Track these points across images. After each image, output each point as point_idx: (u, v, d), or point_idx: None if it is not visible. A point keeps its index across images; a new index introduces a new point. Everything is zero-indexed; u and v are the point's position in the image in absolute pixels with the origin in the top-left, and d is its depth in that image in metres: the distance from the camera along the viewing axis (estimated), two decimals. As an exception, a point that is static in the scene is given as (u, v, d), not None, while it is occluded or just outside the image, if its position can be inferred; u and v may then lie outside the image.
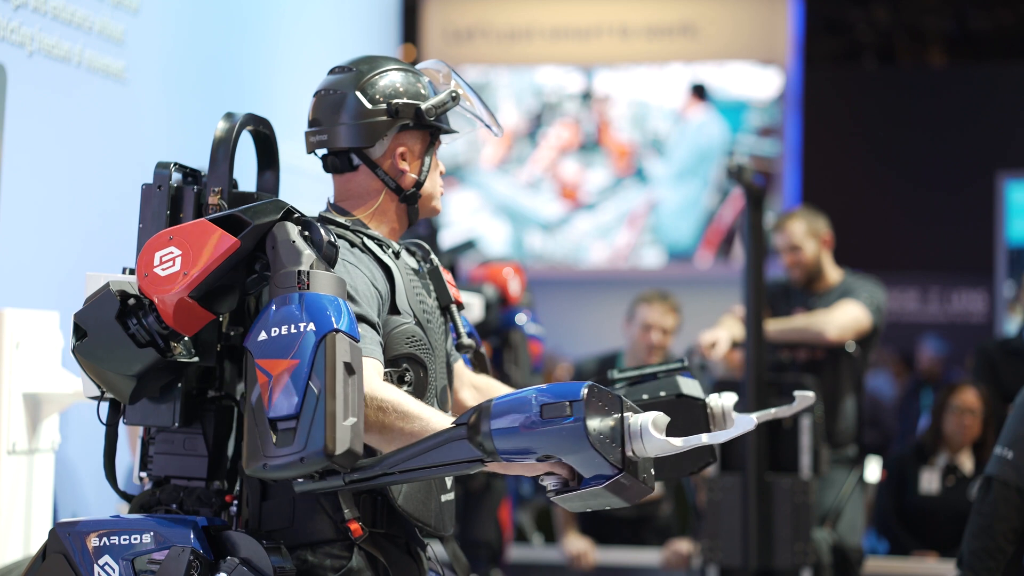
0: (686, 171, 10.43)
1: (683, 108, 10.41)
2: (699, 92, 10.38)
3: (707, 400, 2.69)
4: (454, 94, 2.60)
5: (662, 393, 2.71)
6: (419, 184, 2.61)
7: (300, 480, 2.17)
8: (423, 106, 2.57)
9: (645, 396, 2.70)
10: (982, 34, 13.03)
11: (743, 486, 4.91)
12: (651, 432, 2.06)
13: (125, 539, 2.29)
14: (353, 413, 2.13)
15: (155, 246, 2.27)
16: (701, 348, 5.07)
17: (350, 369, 2.14)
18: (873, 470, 6.82)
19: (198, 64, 4.66)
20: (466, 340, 2.71)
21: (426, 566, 2.55)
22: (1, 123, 3.42)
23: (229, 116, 2.52)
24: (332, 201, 2.63)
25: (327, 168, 2.62)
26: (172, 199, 2.47)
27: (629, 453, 2.07)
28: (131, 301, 2.28)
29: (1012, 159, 11.71)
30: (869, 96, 12.55)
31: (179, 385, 2.39)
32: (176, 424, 2.40)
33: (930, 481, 5.98)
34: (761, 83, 10.28)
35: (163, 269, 2.25)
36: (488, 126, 2.67)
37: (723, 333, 5.09)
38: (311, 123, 2.60)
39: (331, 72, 2.61)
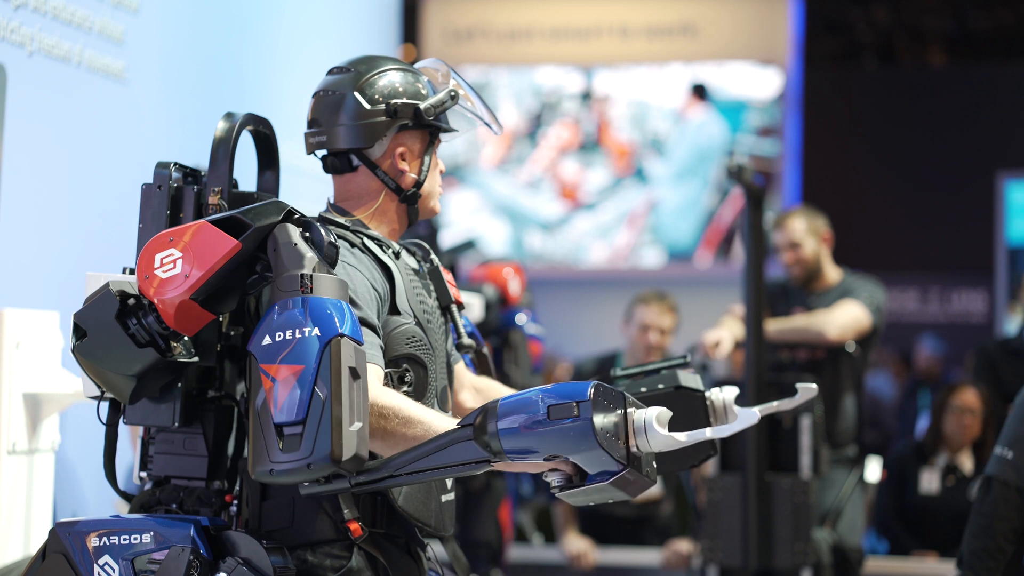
0: (686, 171, 10.43)
1: (683, 108, 10.41)
2: (699, 92, 10.38)
3: (708, 393, 2.69)
4: (453, 93, 2.60)
5: (660, 386, 2.72)
6: (419, 184, 2.61)
7: (306, 484, 2.17)
8: (422, 106, 2.56)
9: (643, 389, 2.70)
10: (982, 34, 13.03)
11: (743, 486, 4.91)
12: (655, 428, 2.07)
13: (125, 539, 2.29)
14: (359, 418, 2.14)
15: (155, 248, 2.27)
16: (705, 347, 5.07)
17: (355, 374, 2.15)
18: (873, 470, 6.82)
19: (198, 64, 4.66)
20: (466, 340, 2.71)
21: (426, 566, 2.55)
22: (1, 123, 3.42)
23: (229, 116, 2.52)
24: (332, 201, 2.63)
25: (327, 169, 2.62)
26: (172, 199, 2.46)
27: (633, 449, 2.08)
28: (131, 301, 2.27)
29: (1012, 159, 11.71)
30: (869, 96, 12.55)
31: (179, 385, 2.39)
32: (176, 424, 2.40)
33: (930, 481, 5.98)
34: (761, 83, 10.28)
35: (164, 271, 2.25)
36: (488, 124, 2.67)
37: (726, 333, 5.09)
38: (310, 124, 2.59)
39: (330, 72, 2.61)
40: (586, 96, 10.56)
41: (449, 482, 2.57)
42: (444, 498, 2.54)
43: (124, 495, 2.55)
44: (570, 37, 10.59)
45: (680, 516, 5.96)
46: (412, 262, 2.65)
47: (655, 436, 2.07)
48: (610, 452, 2.05)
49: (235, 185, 2.50)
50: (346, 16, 6.35)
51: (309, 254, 2.25)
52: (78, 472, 3.73)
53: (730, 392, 2.70)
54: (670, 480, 5.69)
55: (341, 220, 2.54)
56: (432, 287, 2.67)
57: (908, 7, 12.75)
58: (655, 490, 5.61)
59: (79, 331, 2.28)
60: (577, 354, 7.76)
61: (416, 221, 2.66)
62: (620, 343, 5.86)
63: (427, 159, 2.61)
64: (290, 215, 2.32)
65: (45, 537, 2.38)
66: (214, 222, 2.28)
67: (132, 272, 2.40)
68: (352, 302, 2.32)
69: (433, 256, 2.73)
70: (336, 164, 2.59)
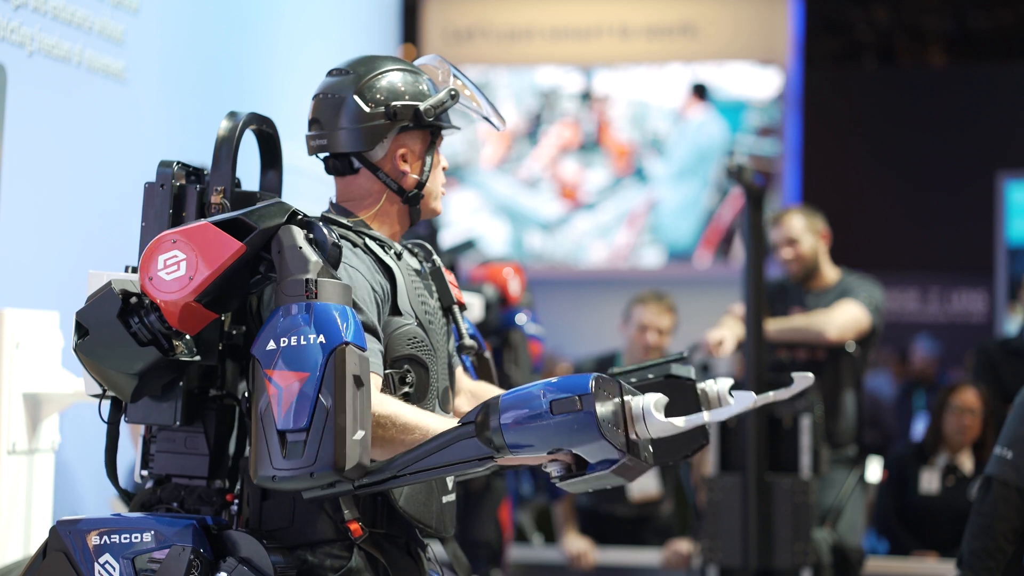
0: (686, 171, 10.43)
1: (683, 108, 10.41)
2: (699, 92, 10.38)
3: (702, 385, 2.70)
4: (453, 92, 2.59)
5: (651, 376, 2.72)
6: (421, 184, 2.60)
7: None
8: (422, 107, 2.56)
9: (634, 380, 2.70)
10: (982, 34, 13.03)
11: (743, 486, 4.91)
12: (653, 414, 2.10)
13: (126, 537, 2.29)
14: (362, 426, 2.14)
15: (159, 249, 2.26)
16: (708, 347, 5.07)
17: (359, 382, 2.15)
18: (874, 470, 6.82)
19: (198, 64, 4.66)
20: (468, 341, 2.71)
21: (426, 567, 2.55)
22: (1, 123, 3.42)
23: (232, 115, 2.51)
24: (334, 201, 2.63)
25: (328, 170, 2.62)
26: (175, 198, 2.46)
27: (632, 436, 2.10)
28: (133, 300, 2.27)
29: (1012, 159, 11.71)
30: (869, 96, 12.55)
31: (181, 384, 2.39)
32: (177, 423, 2.40)
33: (930, 481, 5.98)
34: (761, 83, 10.28)
35: (168, 273, 2.25)
36: (489, 120, 2.67)
37: (728, 333, 5.09)
38: (311, 126, 2.59)
39: (329, 74, 2.60)
40: (586, 96, 10.56)
41: (450, 483, 2.57)
42: (445, 499, 2.54)
43: (125, 493, 2.54)
44: (570, 37, 10.59)
45: (680, 516, 5.96)
46: (414, 263, 2.65)
47: (653, 422, 2.10)
48: (611, 441, 2.07)
49: (238, 184, 2.50)
50: (346, 16, 6.35)
51: (314, 258, 2.24)
52: (78, 472, 3.73)
53: (724, 383, 2.71)
54: (670, 480, 5.69)
55: (344, 221, 2.54)
56: (434, 288, 2.67)
57: (908, 7, 12.75)
58: (655, 490, 5.61)
59: (81, 329, 2.28)
60: (577, 354, 7.76)
61: (418, 221, 2.66)
62: (620, 343, 5.87)
63: (429, 159, 2.61)
64: (293, 216, 2.32)
65: (45, 537, 2.38)
66: (218, 223, 2.28)
67: (135, 271, 2.40)
68: (355, 305, 2.32)
69: (435, 257, 2.73)
70: (338, 166, 2.59)
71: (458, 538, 3.01)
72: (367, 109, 2.54)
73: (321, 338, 2.15)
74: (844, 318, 5.21)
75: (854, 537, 5.29)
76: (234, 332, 2.42)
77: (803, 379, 2.51)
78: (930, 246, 12.40)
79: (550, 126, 10.59)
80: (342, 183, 2.61)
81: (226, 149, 2.47)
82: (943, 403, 5.95)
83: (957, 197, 12.14)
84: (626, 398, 2.11)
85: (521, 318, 5.15)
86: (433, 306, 2.62)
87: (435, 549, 2.66)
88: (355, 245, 2.48)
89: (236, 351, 2.44)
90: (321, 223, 2.34)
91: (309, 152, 2.62)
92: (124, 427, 2.54)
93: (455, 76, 2.63)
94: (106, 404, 2.45)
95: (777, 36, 10.33)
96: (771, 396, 2.56)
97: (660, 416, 2.10)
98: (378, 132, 2.54)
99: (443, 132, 2.64)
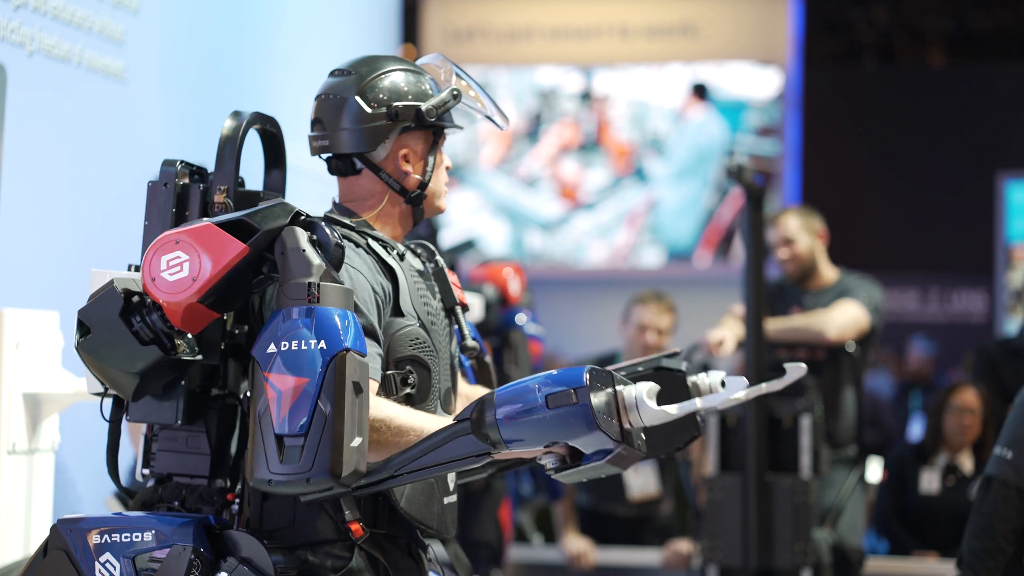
0: (686, 171, 10.43)
1: (683, 108, 10.41)
2: (699, 92, 10.38)
3: (694, 377, 2.71)
4: (455, 92, 2.59)
5: (640, 369, 2.73)
6: (424, 185, 2.60)
7: None
8: (423, 107, 2.55)
9: (624, 374, 2.70)
10: (982, 34, 13.03)
11: (743, 486, 4.91)
12: (646, 402, 2.11)
13: (127, 536, 2.29)
14: (360, 433, 2.15)
15: (162, 250, 2.26)
16: (708, 347, 5.06)
17: (358, 388, 2.16)
18: (874, 470, 6.82)
19: (198, 64, 4.66)
20: (470, 342, 2.71)
21: (427, 567, 2.55)
22: (1, 123, 3.42)
23: (236, 114, 2.51)
24: (338, 201, 2.63)
25: (331, 171, 2.62)
26: (178, 196, 2.46)
27: (626, 425, 2.11)
28: (135, 298, 2.27)
29: (1012, 159, 11.71)
30: (869, 96, 12.55)
31: (182, 383, 2.38)
32: (179, 422, 2.40)
33: (930, 481, 5.98)
34: (761, 83, 10.28)
35: (171, 274, 2.24)
36: (492, 120, 2.66)
37: (729, 332, 5.09)
38: (313, 127, 2.59)
39: (331, 74, 2.60)
40: (586, 96, 10.56)
41: (452, 484, 2.57)
42: (447, 500, 2.54)
43: (127, 492, 2.54)
44: (570, 37, 10.59)
45: (680, 516, 5.96)
46: (417, 263, 2.65)
47: (646, 410, 2.11)
48: (606, 432, 2.08)
49: (241, 184, 2.50)
50: (346, 16, 6.35)
51: (317, 261, 2.24)
52: (78, 472, 3.73)
53: (716, 375, 2.71)
54: (670, 480, 5.69)
55: (347, 221, 2.54)
56: (437, 288, 2.67)
57: (908, 7, 12.75)
58: (655, 489, 5.61)
59: (83, 328, 2.28)
60: (577, 354, 7.76)
61: (421, 220, 2.66)
62: (619, 343, 5.87)
63: (431, 159, 2.61)
64: (297, 217, 2.32)
65: (45, 537, 2.38)
66: (221, 224, 2.28)
67: (137, 269, 2.40)
68: (356, 307, 2.31)
69: (439, 257, 2.72)
70: (340, 166, 2.59)
71: (458, 538, 3.02)
72: (369, 110, 2.53)
73: (322, 344, 2.15)
74: (844, 318, 5.21)
75: (854, 537, 5.29)
76: (236, 331, 2.42)
77: (796, 369, 2.52)
78: (930, 246, 12.41)
79: (550, 126, 10.59)
80: (345, 183, 2.61)
81: (230, 148, 2.46)
82: (943, 403, 5.95)
83: (957, 197, 12.14)
84: (618, 388, 2.12)
85: (521, 318, 5.15)
86: (436, 307, 2.61)
87: (436, 549, 2.66)
88: (357, 245, 2.48)
89: (238, 350, 2.43)
90: (324, 223, 2.33)
91: (312, 152, 2.62)
92: (124, 426, 2.54)
93: (458, 75, 2.63)
94: (108, 402, 2.45)
95: (777, 36, 10.33)
96: (763, 388, 2.56)
97: (652, 404, 2.11)
98: (380, 133, 2.54)
99: (446, 132, 2.63)
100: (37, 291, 3.55)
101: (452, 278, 2.71)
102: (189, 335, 2.30)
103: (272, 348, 2.17)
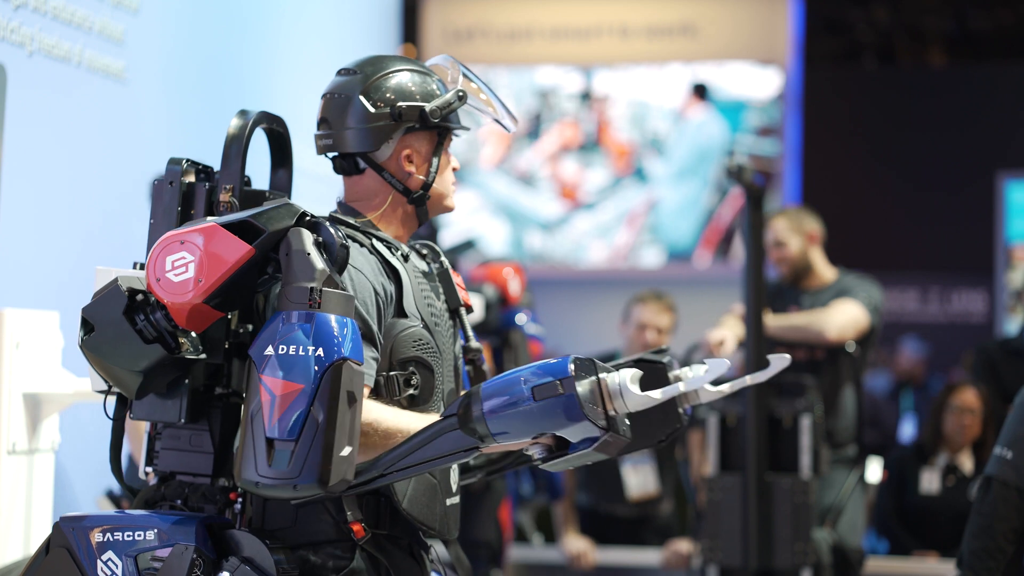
0: (686, 171, 10.43)
1: (683, 108, 10.41)
2: (699, 92, 10.38)
3: (677, 371, 2.71)
4: (461, 93, 2.59)
5: (621, 360, 2.73)
6: (427, 185, 2.60)
7: None
8: (427, 108, 2.55)
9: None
10: (982, 34, 13.03)
11: (743, 486, 4.91)
12: (629, 387, 2.12)
13: (129, 535, 2.29)
14: (350, 442, 2.15)
15: (167, 250, 2.26)
16: (709, 347, 5.07)
17: (351, 398, 2.15)
18: (874, 470, 6.82)
19: (198, 64, 4.66)
20: (474, 344, 2.71)
21: (428, 568, 2.55)
22: (1, 123, 3.42)
23: (243, 113, 2.50)
24: (342, 201, 2.63)
25: (336, 170, 2.62)
26: (183, 195, 2.45)
27: (611, 412, 2.12)
28: (139, 297, 2.27)
29: (1012, 159, 11.71)
30: (869, 96, 12.55)
31: (186, 381, 2.38)
32: (182, 420, 2.39)
33: (930, 481, 5.98)
34: (761, 83, 10.28)
35: (176, 275, 2.24)
36: (500, 122, 2.66)
37: (729, 332, 5.09)
38: (319, 125, 2.59)
39: (338, 74, 2.60)
40: (586, 96, 10.56)
41: (454, 485, 2.57)
42: (449, 501, 2.54)
43: (129, 490, 2.54)
44: (570, 37, 10.59)
45: (680, 516, 5.96)
46: (421, 264, 2.64)
47: (631, 396, 2.12)
48: (592, 420, 2.09)
49: (247, 183, 2.50)
50: (346, 16, 6.35)
51: (320, 265, 2.23)
52: (78, 472, 3.73)
53: (699, 368, 2.72)
54: (670, 480, 5.69)
55: (351, 221, 2.54)
56: (441, 289, 2.66)
57: (908, 7, 12.75)
58: (655, 490, 5.62)
59: (87, 325, 2.28)
60: (577, 354, 7.75)
61: (426, 220, 2.66)
62: (619, 343, 5.87)
63: (436, 160, 2.60)
64: (302, 218, 2.31)
65: (46, 536, 2.38)
66: (226, 225, 2.27)
67: (142, 267, 2.40)
68: (356, 311, 2.31)
69: (443, 258, 2.72)
70: (344, 166, 2.59)
71: (458, 538, 3.01)
72: (373, 109, 2.53)
73: (320, 351, 2.15)
74: (844, 318, 5.21)
75: (854, 537, 5.29)
76: (240, 330, 2.42)
77: (779, 360, 2.53)
78: (930, 246, 12.40)
79: (550, 126, 10.59)
80: (349, 183, 2.61)
81: (236, 147, 2.46)
82: (943, 403, 5.95)
83: (957, 197, 12.14)
84: (601, 375, 2.14)
85: (521, 318, 5.15)
86: (440, 308, 2.61)
87: (438, 550, 2.66)
88: (361, 245, 2.48)
89: (242, 349, 2.42)
90: (329, 223, 2.33)
91: (317, 151, 2.62)
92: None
93: (466, 77, 2.63)
94: (111, 400, 2.45)
95: (777, 36, 10.33)
96: (747, 380, 2.57)
97: (636, 389, 2.12)
98: (383, 132, 2.54)
99: (452, 133, 2.63)
100: (37, 291, 3.55)
101: (456, 279, 2.71)
102: (193, 334, 2.30)
103: (269, 350, 2.16)
